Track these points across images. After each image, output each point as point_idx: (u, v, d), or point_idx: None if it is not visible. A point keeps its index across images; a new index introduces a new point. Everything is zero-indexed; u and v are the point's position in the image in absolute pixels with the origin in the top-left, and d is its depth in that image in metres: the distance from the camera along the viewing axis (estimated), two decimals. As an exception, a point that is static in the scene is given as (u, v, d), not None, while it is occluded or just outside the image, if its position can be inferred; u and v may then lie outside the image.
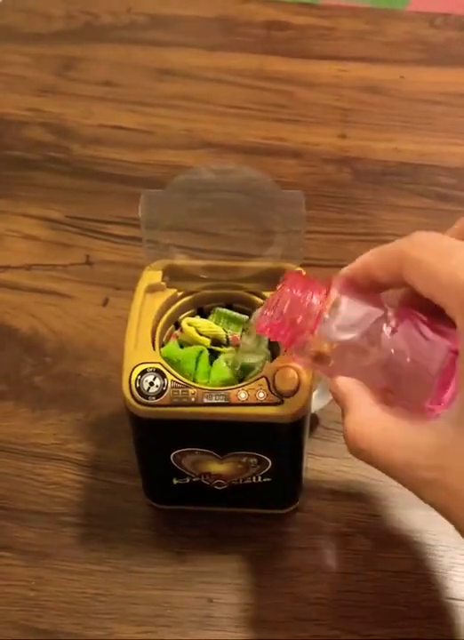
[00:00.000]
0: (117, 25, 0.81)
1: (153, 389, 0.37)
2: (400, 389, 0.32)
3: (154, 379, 0.37)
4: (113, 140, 0.69)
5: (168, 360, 0.39)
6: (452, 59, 0.76)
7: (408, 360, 0.31)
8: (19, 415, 0.51)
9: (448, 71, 0.75)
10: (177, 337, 0.41)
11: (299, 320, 0.33)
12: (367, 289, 0.33)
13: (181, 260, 0.42)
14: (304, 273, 0.38)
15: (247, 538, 0.45)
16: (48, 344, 0.54)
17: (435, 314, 0.31)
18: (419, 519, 0.45)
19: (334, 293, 0.33)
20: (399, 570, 0.44)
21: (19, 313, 0.56)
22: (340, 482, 0.47)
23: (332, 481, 0.47)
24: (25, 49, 0.79)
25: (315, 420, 0.49)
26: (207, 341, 0.40)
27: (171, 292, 0.41)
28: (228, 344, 0.41)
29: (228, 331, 0.41)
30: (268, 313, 0.34)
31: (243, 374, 0.39)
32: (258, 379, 0.37)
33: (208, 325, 0.41)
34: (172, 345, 0.40)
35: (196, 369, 0.39)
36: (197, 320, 0.41)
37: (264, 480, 0.42)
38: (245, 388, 0.37)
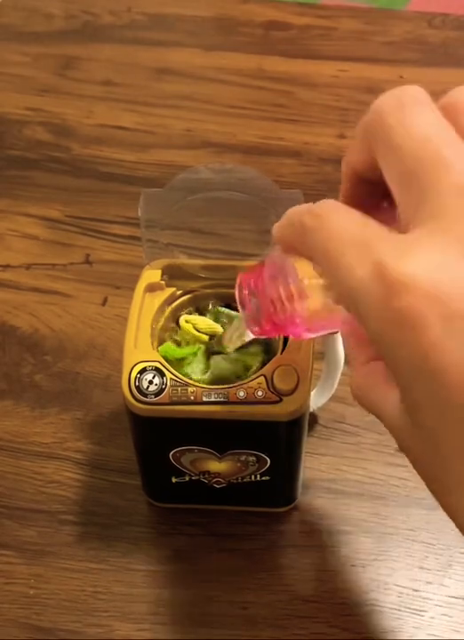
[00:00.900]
0: (117, 24, 0.82)
1: (152, 388, 0.37)
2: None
3: (153, 377, 0.37)
4: (113, 139, 0.69)
5: (165, 359, 0.39)
6: (450, 59, 0.76)
7: None
8: (18, 414, 0.51)
9: (447, 71, 0.75)
10: (175, 335, 0.41)
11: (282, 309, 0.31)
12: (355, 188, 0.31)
13: (181, 259, 0.42)
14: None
15: (246, 536, 0.45)
16: (48, 343, 0.55)
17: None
18: (417, 517, 0.46)
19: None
20: (397, 567, 0.44)
21: (18, 312, 0.57)
22: (339, 480, 0.47)
23: (330, 479, 0.48)
24: (25, 48, 0.79)
25: (313, 418, 0.49)
26: (205, 338, 0.40)
27: (170, 290, 0.41)
28: None
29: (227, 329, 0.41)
30: (256, 328, 0.33)
31: (242, 371, 0.39)
32: (257, 377, 0.38)
33: (206, 322, 0.41)
34: (170, 343, 0.40)
35: (193, 367, 0.39)
36: (195, 317, 0.41)
37: (263, 478, 0.42)
38: (244, 386, 0.37)
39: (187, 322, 0.41)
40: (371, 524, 0.46)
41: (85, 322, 0.56)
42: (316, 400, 0.47)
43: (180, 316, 0.42)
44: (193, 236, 0.43)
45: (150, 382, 0.37)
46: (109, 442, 0.49)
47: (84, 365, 0.53)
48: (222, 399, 0.37)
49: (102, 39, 0.80)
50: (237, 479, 0.42)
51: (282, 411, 0.37)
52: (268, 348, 0.41)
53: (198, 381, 0.38)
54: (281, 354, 0.39)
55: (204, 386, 0.37)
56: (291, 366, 0.37)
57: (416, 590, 0.43)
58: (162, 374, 0.37)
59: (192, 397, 0.37)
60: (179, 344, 0.41)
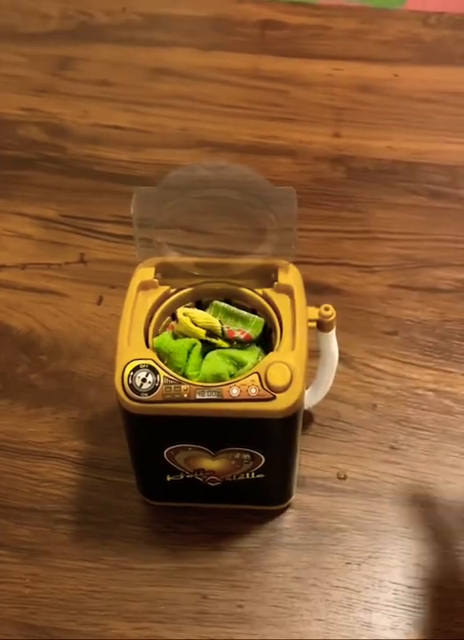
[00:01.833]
0: (113, 24, 0.82)
1: (145, 386, 0.37)
2: None
3: (146, 375, 0.37)
4: (108, 139, 0.69)
5: (159, 351, 0.39)
6: (445, 57, 0.76)
7: None
8: (14, 413, 0.51)
9: (442, 69, 0.75)
10: (173, 328, 0.41)
11: None
12: None
13: (174, 258, 0.42)
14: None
15: (241, 534, 0.45)
16: (43, 342, 0.55)
17: None
18: (412, 515, 0.46)
19: None
20: (392, 565, 0.44)
21: (14, 312, 0.56)
22: (334, 478, 0.47)
23: (325, 477, 0.48)
24: (21, 48, 0.79)
25: (308, 416, 0.49)
26: (202, 332, 0.40)
27: (163, 289, 0.41)
28: (223, 336, 0.41)
29: (225, 324, 0.41)
30: None
31: (235, 369, 0.39)
32: (250, 374, 0.38)
33: (204, 316, 0.40)
34: (166, 336, 0.40)
35: (187, 361, 0.39)
36: (193, 311, 0.41)
37: (257, 476, 0.42)
38: (238, 383, 0.37)
39: (185, 314, 0.40)
40: (366, 521, 0.46)
41: (80, 321, 0.56)
42: (311, 398, 0.47)
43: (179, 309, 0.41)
44: (186, 235, 0.43)
45: (143, 380, 0.37)
46: (104, 441, 0.49)
47: (80, 365, 0.53)
48: (215, 396, 0.37)
49: (98, 39, 0.80)
50: (232, 477, 0.42)
51: (275, 408, 0.37)
52: (263, 345, 0.41)
53: (192, 376, 0.38)
54: (275, 351, 0.39)
55: (198, 383, 0.37)
56: (284, 364, 0.37)
57: (411, 587, 0.43)
58: (155, 372, 0.37)
59: (185, 395, 0.37)
60: (176, 337, 0.40)
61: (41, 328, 0.55)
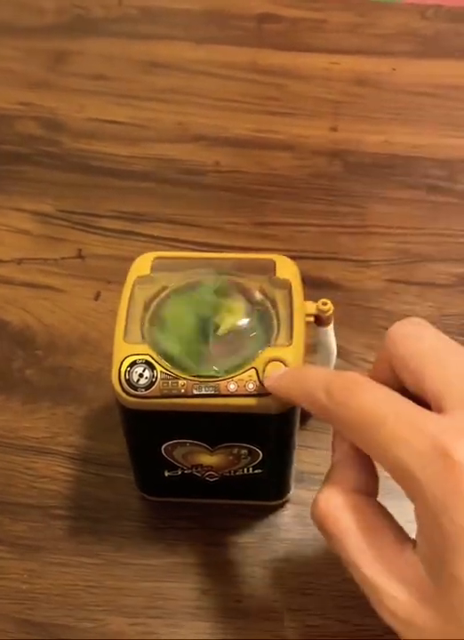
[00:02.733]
0: (108, 18, 0.81)
1: (142, 381, 0.37)
2: None
3: (143, 370, 0.37)
4: (105, 133, 0.69)
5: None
6: (443, 50, 0.76)
7: None
8: (9, 408, 0.51)
9: (439, 63, 0.75)
10: None
11: None
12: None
13: (171, 252, 0.42)
14: None
15: (239, 529, 0.45)
16: (39, 337, 0.54)
17: None
18: (411, 511, 0.45)
19: None
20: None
21: (10, 307, 0.56)
22: (332, 473, 0.47)
23: (323, 473, 0.47)
24: (16, 43, 0.79)
25: (307, 411, 0.49)
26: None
27: (160, 283, 0.41)
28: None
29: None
30: None
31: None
32: (247, 370, 0.37)
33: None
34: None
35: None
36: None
37: (255, 472, 0.42)
38: (235, 378, 0.37)
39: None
40: (364, 516, 0.45)
41: (77, 316, 0.56)
42: (309, 393, 0.47)
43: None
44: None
45: (140, 375, 0.37)
46: (101, 436, 0.49)
47: (77, 360, 0.53)
48: (213, 392, 0.37)
49: (94, 33, 0.80)
50: (230, 472, 0.42)
51: (272, 403, 0.37)
52: (263, 336, 0.40)
53: (188, 369, 0.38)
54: (272, 346, 0.39)
55: (195, 379, 0.37)
56: (281, 359, 0.37)
57: (409, 582, 0.43)
58: (152, 367, 0.37)
59: (182, 390, 0.37)
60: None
61: (37, 323, 0.55)
